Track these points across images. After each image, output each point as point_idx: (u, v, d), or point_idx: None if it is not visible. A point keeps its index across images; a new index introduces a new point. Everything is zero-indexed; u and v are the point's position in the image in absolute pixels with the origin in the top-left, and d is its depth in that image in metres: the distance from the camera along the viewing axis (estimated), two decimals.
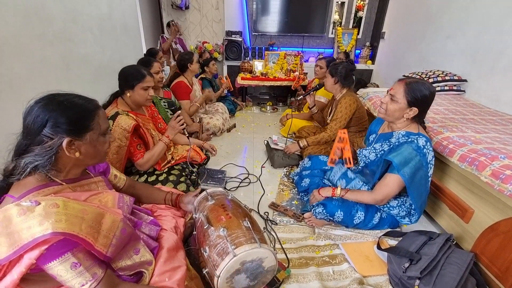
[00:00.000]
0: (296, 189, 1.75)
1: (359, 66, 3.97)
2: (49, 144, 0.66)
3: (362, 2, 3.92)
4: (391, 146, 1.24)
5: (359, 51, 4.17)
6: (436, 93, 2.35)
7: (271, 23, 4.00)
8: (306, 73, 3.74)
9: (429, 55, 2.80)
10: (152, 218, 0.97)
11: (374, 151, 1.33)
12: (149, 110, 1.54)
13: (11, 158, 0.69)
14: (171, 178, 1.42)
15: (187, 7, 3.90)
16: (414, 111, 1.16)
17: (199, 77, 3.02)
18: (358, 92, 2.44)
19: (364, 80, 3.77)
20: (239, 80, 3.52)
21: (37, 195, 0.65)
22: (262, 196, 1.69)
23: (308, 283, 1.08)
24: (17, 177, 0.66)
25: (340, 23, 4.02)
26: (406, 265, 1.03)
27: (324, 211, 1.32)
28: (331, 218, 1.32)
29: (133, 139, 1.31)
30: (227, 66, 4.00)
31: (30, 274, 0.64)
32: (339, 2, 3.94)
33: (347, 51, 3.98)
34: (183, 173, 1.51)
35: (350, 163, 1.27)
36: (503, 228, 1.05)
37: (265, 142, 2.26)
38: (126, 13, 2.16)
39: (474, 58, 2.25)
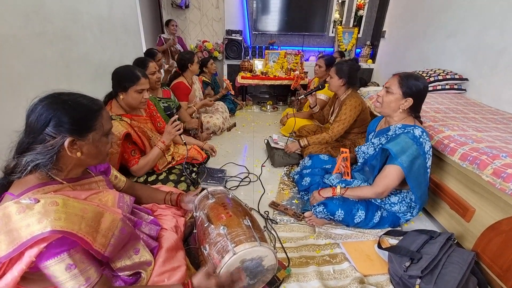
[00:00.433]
0: (296, 188, 1.74)
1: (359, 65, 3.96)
2: (51, 143, 0.66)
3: (362, 1, 3.91)
4: (388, 138, 1.26)
5: (359, 50, 4.16)
6: (437, 91, 2.37)
7: (271, 22, 3.99)
8: (307, 72, 3.74)
9: (430, 54, 2.79)
10: (152, 217, 0.97)
11: (372, 145, 1.35)
12: (148, 109, 1.52)
13: (12, 155, 0.68)
14: (172, 177, 1.42)
15: (187, 6, 3.90)
16: (409, 101, 1.19)
17: (200, 77, 3.01)
18: (358, 91, 2.43)
19: (364, 79, 3.77)
20: (239, 79, 3.52)
21: (37, 193, 0.64)
22: (262, 195, 1.68)
23: (308, 282, 1.08)
24: (18, 175, 0.66)
25: (341, 22, 4.01)
26: (407, 264, 1.02)
27: (324, 210, 1.31)
28: (332, 217, 1.32)
29: (126, 145, 1.27)
30: (227, 65, 3.99)
31: (30, 273, 0.64)
32: (340, 1, 3.93)
33: (345, 50, 3.98)
34: (183, 173, 1.50)
35: (348, 175, 1.40)
36: (504, 227, 1.05)
37: (265, 141, 2.26)
38: (126, 12, 2.16)
39: (475, 57, 2.24)
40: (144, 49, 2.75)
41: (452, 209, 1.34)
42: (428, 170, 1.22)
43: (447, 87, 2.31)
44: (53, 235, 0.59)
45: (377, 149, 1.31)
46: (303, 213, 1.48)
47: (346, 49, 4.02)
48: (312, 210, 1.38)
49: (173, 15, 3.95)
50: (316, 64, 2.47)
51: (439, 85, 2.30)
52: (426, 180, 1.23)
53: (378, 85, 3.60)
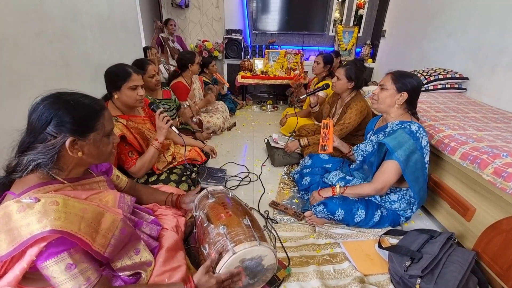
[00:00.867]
0: (296, 187, 1.74)
1: None
2: (52, 143, 0.66)
3: (362, 0, 3.90)
4: (386, 134, 1.28)
5: (359, 49, 4.15)
6: (437, 91, 2.36)
7: (271, 21, 3.99)
8: (306, 71, 3.73)
9: (430, 53, 2.78)
10: (153, 217, 0.97)
11: (370, 143, 1.37)
12: (147, 109, 1.51)
13: (14, 154, 0.68)
14: (173, 177, 1.41)
15: (187, 5, 3.89)
16: (404, 95, 1.22)
17: (201, 76, 3.00)
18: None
19: (364, 78, 3.75)
20: (239, 79, 3.51)
21: (38, 192, 0.64)
22: (262, 194, 1.68)
23: (308, 281, 1.07)
24: (19, 174, 0.66)
25: (341, 21, 4.01)
26: (408, 263, 1.02)
27: (324, 209, 1.31)
28: (332, 217, 1.32)
29: (123, 146, 1.25)
30: (227, 64, 3.99)
31: (30, 272, 0.64)
32: (340, 0, 3.92)
33: (346, 49, 3.97)
34: (185, 173, 1.50)
35: (330, 149, 1.44)
36: (505, 226, 1.05)
37: (266, 140, 2.26)
38: (125, 11, 2.15)
39: (476, 56, 2.23)
40: None
41: (453, 208, 1.33)
42: (426, 165, 1.23)
43: (447, 86, 2.30)
44: (53, 234, 0.59)
45: (375, 146, 1.32)
46: (303, 212, 1.48)
47: (346, 49, 4.01)
48: (312, 209, 1.37)
49: (173, 14, 3.95)
50: (314, 61, 2.46)
51: (439, 84, 2.30)
52: (424, 175, 1.24)
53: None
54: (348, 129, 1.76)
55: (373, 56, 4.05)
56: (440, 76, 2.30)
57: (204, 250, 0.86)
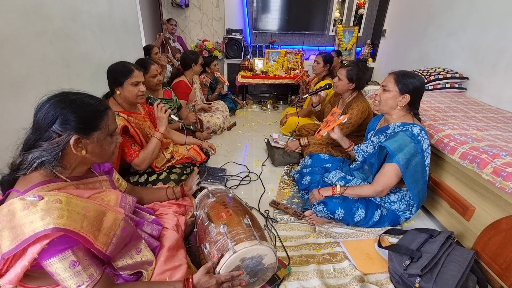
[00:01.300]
0: (296, 187, 1.75)
1: None
2: (56, 141, 0.67)
3: (363, 0, 3.89)
4: (387, 136, 1.27)
5: (360, 49, 4.15)
6: (437, 90, 2.36)
7: (272, 21, 3.98)
8: (307, 71, 3.73)
9: (430, 52, 2.79)
10: (154, 217, 0.97)
11: (371, 144, 1.36)
12: (146, 108, 1.52)
13: (18, 152, 0.69)
14: (173, 177, 1.42)
15: (187, 5, 3.89)
16: (407, 98, 1.20)
17: (201, 77, 3.00)
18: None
19: (365, 82, 3.76)
20: (240, 78, 3.51)
21: (41, 190, 0.65)
22: (262, 194, 1.69)
23: (308, 280, 1.08)
24: (23, 172, 0.66)
25: (341, 20, 4.00)
26: (407, 262, 1.03)
27: (324, 209, 1.32)
28: (332, 216, 1.32)
29: (125, 138, 1.28)
30: (228, 64, 3.99)
31: (31, 270, 0.64)
32: (340, 0, 3.92)
33: (346, 49, 3.97)
34: (184, 172, 1.51)
35: (321, 133, 1.43)
36: (504, 225, 1.05)
37: (266, 140, 2.26)
38: (126, 10, 2.16)
39: (476, 55, 2.23)
40: None
41: (452, 207, 1.34)
42: (427, 168, 1.22)
43: (447, 85, 2.30)
44: (56, 232, 0.59)
45: (376, 147, 1.32)
46: (303, 212, 1.48)
47: (346, 48, 4.01)
48: (312, 209, 1.38)
49: (173, 14, 3.95)
50: (314, 61, 2.46)
51: (439, 83, 2.30)
52: (424, 178, 1.24)
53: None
54: (349, 129, 1.76)
55: (373, 55, 4.05)
56: (440, 76, 2.31)
57: (204, 249, 0.86)
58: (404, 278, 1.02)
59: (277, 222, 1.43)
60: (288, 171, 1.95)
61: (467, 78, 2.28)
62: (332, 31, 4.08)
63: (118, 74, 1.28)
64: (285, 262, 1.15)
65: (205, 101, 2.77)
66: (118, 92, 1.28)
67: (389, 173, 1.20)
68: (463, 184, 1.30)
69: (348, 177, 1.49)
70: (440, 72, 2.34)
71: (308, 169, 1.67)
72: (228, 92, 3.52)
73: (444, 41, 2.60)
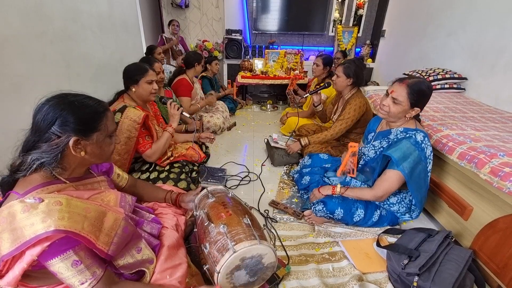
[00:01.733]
0: (296, 187, 1.75)
1: None
2: (56, 142, 0.67)
3: (362, 0, 3.90)
4: (390, 142, 1.25)
5: (359, 49, 4.16)
6: (436, 91, 2.37)
7: (271, 21, 3.99)
8: (306, 71, 3.74)
9: (429, 53, 2.79)
10: (153, 216, 0.98)
11: (373, 148, 1.34)
12: (153, 109, 1.57)
13: (18, 154, 0.70)
14: (172, 176, 1.43)
15: (187, 6, 3.90)
16: (416, 110, 1.19)
17: (200, 75, 3.02)
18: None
19: (364, 78, 3.77)
20: (239, 79, 3.52)
21: (41, 192, 0.65)
22: (262, 194, 1.69)
23: (308, 280, 1.09)
24: (23, 173, 0.67)
25: (341, 21, 4.02)
26: (405, 261, 1.03)
27: (324, 208, 1.32)
28: (331, 216, 1.33)
29: (141, 130, 1.35)
30: (227, 64, 4.00)
31: (32, 271, 0.65)
32: (340, 0, 3.93)
33: (346, 49, 3.98)
34: (183, 170, 1.52)
35: (354, 173, 1.33)
36: (501, 225, 1.06)
37: (265, 140, 2.27)
38: (126, 11, 2.16)
39: (475, 56, 2.24)
40: (145, 49, 2.76)
41: (451, 207, 1.35)
42: (429, 173, 1.22)
43: (446, 86, 2.31)
44: (57, 234, 0.60)
45: (377, 152, 1.31)
46: (302, 211, 1.49)
47: (346, 48, 4.02)
48: (312, 208, 1.39)
49: (173, 14, 3.96)
50: (314, 63, 2.47)
51: (438, 84, 2.31)
52: (426, 184, 1.24)
53: (377, 84, 3.60)
54: (348, 124, 1.79)
55: (372, 56, 4.06)
56: (439, 76, 2.32)
57: (204, 249, 0.87)
58: (402, 277, 1.03)
59: (276, 221, 1.44)
60: (287, 171, 1.96)
61: (466, 78, 2.29)
62: (332, 32, 4.09)
63: (134, 72, 1.36)
64: (284, 261, 1.16)
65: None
66: (133, 90, 1.37)
67: (391, 179, 1.19)
68: (461, 184, 1.31)
69: (348, 178, 1.50)
70: (439, 72, 2.35)
71: (308, 169, 1.68)
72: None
73: (443, 41, 2.61)
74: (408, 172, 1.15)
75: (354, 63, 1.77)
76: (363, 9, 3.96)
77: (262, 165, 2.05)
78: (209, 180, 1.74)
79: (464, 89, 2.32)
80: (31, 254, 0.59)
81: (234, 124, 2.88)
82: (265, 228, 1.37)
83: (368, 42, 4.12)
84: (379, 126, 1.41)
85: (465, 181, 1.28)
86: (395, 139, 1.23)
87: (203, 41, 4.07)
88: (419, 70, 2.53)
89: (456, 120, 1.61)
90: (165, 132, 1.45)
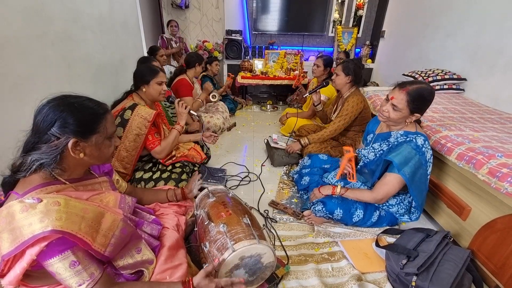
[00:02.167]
0: (296, 187, 1.76)
1: None
2: (55, 143, 0.67)
3: (362, 1, 3.92)
4: (390, 146, 1.25)
5: (359, 50, 4.17)
6: (436, 91, 2.37)
7: (271, 22, 4.00)
8: (306, 71, 3.75)
9: (429, 53, 2.80)
10: (154, 217, 0.98)
11: (373, 150, 1.35)
12: (158, 109, 1.59)
13: (19, 154, 0.70)
14: (173, 176, 1.44)
15: (187, 6, 3.91)
16: (417, 116, 1.19)
17: (201, 75, 3.03)
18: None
19: (364, 79, 3.78)
20: (239, 79, 3.53)
21: (40, 193, 0.66)
22: (262, 194, 1.70)
23: (307, 279, 1.09)
24: (23, 174, 0.67)
25: (340, 21, 4.03)
26: (404, 261, 1.04)
27: (323, 209, 1.33)
28: (331, 216, 1.33)
29: (151, 127, 1.38)
30: (227, 65, 4.01)
31: (32, 271, 0.66)
32: (339, 1, 3.94)
33: (347, 50, 3.99)
34: (184, 170, 1.53)
35: (354, 178, 1.32)
36: (499, 225, 1.07)
37: (265, 141, 2.28)
38: (126, 12, 2.17)
39: (474, 57, 2.25)
40: (145, 49, 2.77)
41: (449, 208, 1.35)
42: (429, 176, 1.22)
43: (445, 87, 2.32)
44: (54, 234, 0.60)
45: (377, 155, 1.31)
46: (302, 212, 1.50)
47: (345, 49, 4.03)
48: (311, 209, 1.39)
49: (173, 15, 3.97)
50: (314, 64, 2.48)
51: (437, 85, 2.32)
52: (426, 187, 1.24)
53: (377, 85, 3.61)
54: (346, 121, 1.81)
55: (372, 56, 4.07)
56: (438, 77, 2.32)
57: (204, 248, 0.88)
58: (401, 277, 1.03)
59: (276, 222, 1.45)
60: (287, 172, 1.97)
61: (465, 79, 2.30)
62: (332, 32, 4.10)
63: (146, 73, 1.42)
64: (284, 261, 1.16)
65: (205, 103, 2.78)
66: (144, 90, 1.42)
67: (391, 183, 1.20)
68: (460, 184, 1.32)
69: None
70: (439, 73, 2.36)
71: (307, 170, 1.68)
72: (228, 95, 3.55)
73: (442, 42, 2.62)
74: (410, 177, 1.15)
75: (353, 62, 1.80)
76: (363, 10, 3.97)
77: (262, 165, 2.06)
78: (209, 180, 1.75)
79: (463, 89, 2.33)
80: (30, 254, 0.60)
81: (234, 125, 2.89)
82: (264, 228, 1.38)
83: (367, 42, 4.13)
84: (378, 127, 1.41)
85: (464, 182, 1.29)
86: (396, 143, 1.23)
87: (203, 41, 4.08)
88: (418, 71, 2.54)
89: (455, 121, 1.62)
90: (174, 130, 1.49)
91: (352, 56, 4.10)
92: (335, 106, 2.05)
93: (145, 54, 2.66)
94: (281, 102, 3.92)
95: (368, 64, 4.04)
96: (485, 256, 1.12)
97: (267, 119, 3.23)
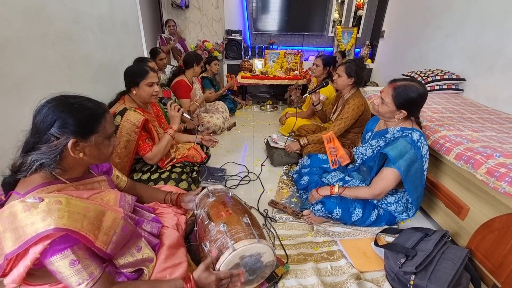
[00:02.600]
0: (295, 187, 1.77)
1: None
2: (55, 143, 0.68)
3: (362, 1, 3.92)
4: (387, 141, 1.27)
5: (358, 49, 4.18)
6: (435, 91, 2.38)
7: (271, 21, 4.01)
8: (306, 72, 3.75)
9: (428, 54, 2.81)
10: (153, 215, 0.99)
11: (370, 147, 1.37)
12: (154, 109, 1.58)
13: (19, 154, 0.70)
14: (173, 176, 1.44)
15: (187, 6, 3.91)
16: (403, 113, 1.20)
17: (200, 75, 3.03)
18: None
19: (364, 78, 3.78)
20: (239, 79, 3.54)
21: (41, 192, 0.66)
22: (261, 194, 1.71)
23: (306, 278, 1.10)
24: (24, 174, 0.68)
25: (340, 21, 4.03)
26: (402, 260, 1.05)
27: (322, 208, 1.34)
28: (330, 215, 1.34)
29: (141, 133, 1.35)
30: (227, 65, 4.01)
31: (34, 269, 0.66)
32: (339, 1, 3.94)
33: (345, 50, 3.99)
34: (185, 170, 1.53)
35: (344, 161, 1.32)
36: (497, 224, 1.08)
37: (265, 140, 2.28)
38: (126, 12, 2.18)
39: (473, 57, 2.26)
40: (145, 49, 2.77)
41: (448, 207, 1.36)
42: (425, 172, 1.24)
43: (444, 87, 2.33)
44: (56, 232, 0.61)
45: (375, 151, 1.33)
46: (301, 211, 1.50)
47: (345, 49, 4.03)
48: (311, 208, 1.40)
49: (173, 15, 3.97)
50: (313, 63, 2.48)
51: (436, 85, 2.33)
52: (422, 182, 1.25)
53: (377, 85, 3.62)
54: (346, 124, 1.80)
55: (372, 56, 4.08)
56: (438, 77, 2.33)
57: (204, 247, 0.88)
58: (399, 275, 1.04)
59: (276, 221, 1.46)
60: (287, 171, 1.98)
61: (464, 79, 2.31)
62: (331, 32, 4.10)
63: (135, 75, 1.36)
64: (283, 260, 1.17)
65: (205, 102, 2.78)
66: (134, 92, 1.37)
67: (388, 177, 1.22)
68: (458, 184, 1.33)
69: (346, 178, 1.52)
70: (438, 73, 2.36)
71: (307, 169, 1.69)
72: (228, 93, 3.55)
73: (442, 42, 2.62)
74: (404, 170, 1.17)
75: (355, 63, 1.79)
76: (363, 10, 3.98)
77: (261, 165, 2.07)
78: (209, 180, 1.76)
79: (462, 90, 2.34)
80: (34, 252, 0.60)
81: (234, 124, 2.89)
82: (264, 228, 1.39)
83: (367, 42, 4.14)
84: (376, 126, 1.43)
85: (462, 181, 1.30)
86: (392, 138, 1.25)
87: (203, 41, 4.08)
88: (417, 71, 2.54)
89: (453, 121, 1.62)
90: (166, 134, 1.45)
91: (352, 56, 4.11)
92: (335, 106, 2.06)
93: (146, 54, 2.66)
94: (280, 102, 3.93)
95: (368, 64, 4.04)
96: (483, 255, 1.13)
97: (267, 119, 3.24)
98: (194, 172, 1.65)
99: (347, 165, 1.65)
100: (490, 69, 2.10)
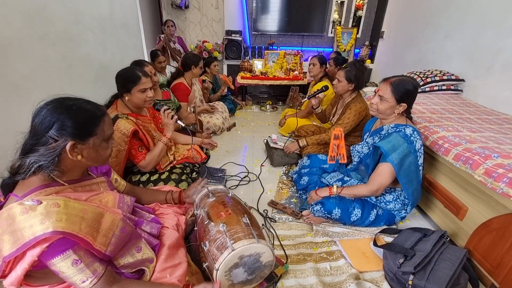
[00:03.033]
0: (295, 187, 1.77)
1: None
2: (53, 146, 0.68)
3: (361, 1, 3.93)
4: (382, 137, 1.30)
5: (358, 50, 4.19)
6: (434, 92, 2.39)
7: (271, 22, 4.01)
8: (306, 72, 3.76)
9: (427, 54, 2.82)
10: (153, 216, 0.99)
11: (366, 145, 1.40)
12: (150, 111, 1.56)
13: (18, 156, 0.71)
14: (173, 176, 1.45)
15: (187, 6, 3.91)
16: (404, 106, 1.24)
17: (201, 77, 3.03)
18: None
19: (364, 80, 3.79)
20: (239, 79, 3.54)
21: (39, 195, 0.66)
22: (261, 194, 1.71)
23: (305, 278, 1.11)
24: (22, 176, 0.68)
25: (340, 22, 4.04)
26: (401, 261, 1.05)
27: (322, 209, 1.34)
28: (329, 216, 1.35)
29: (133, 141, 1.32)
30: (227, 65, 4.02)
31: (33, 271, 0.66)
32: (339, 1, 3.95)
33: (345, 50, 4.00)
34: (184, 171, 1.53)
35: (344, 158, 1.34)
36: (495, 225, 1.08)
37: (265, 141, 2.29)
38: (126, 12, 2.18)
39: (472, 57, 2.27)
40: (145, 49, 2.77)
41: (446, 207, 1.37)
42: (420, 167, 1.25)
43: (443, 87, 2.34)
44: (55, 235, 0.61)
45: (370, 148, 1.35)
46: (301, 211, 1.51)
47: (345, 50, 4.04)
48: (310, 208, 1.41)
49: (173, 15, 3.97)
50: (310, 64, 2.51)
51: (435, 85, 2.33)
52: (418, 177, 1.27)
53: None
54: (346, 129, 1.80)
55: (371, 57, 4.09)
56: (437, 78, 2.34)
57: (204, 247, 0.89)
58: (398, 275, 1.05)
59: (275, 221, 1.46)
60: (286, 172, 1.98)
61: (463, 80, 2.32)
62: (331, 33, 4.11)
63: (126, 81, 1.31)
64: (283, 260, 1.18)
65: (205, 102, 2.79)
66: (127, 98, 1.33)
67: (383, 172, 1.24)
68: (457, 184, 1.33)
69: (345, 178, 1.52)
70: (437, 74, 2.37)
71: (306, 170, 1.70)
72: (228, 93, 3.56)
73: (441, 43, 2.63)
74: (397, 163, 1.19)
75: (355, 67, 1.77)
76: (362, 11, 3.99)
77: (261, 165, 2.07)
78: (209, 180, 1.76)
79: (461, 90, 2.34)
80: (31, 255, 0.61)
81: (234, 125, 2.90)
82: (264, 228, 1.39)
83: (367, 43, 4.15)
84: (373, 125, 1.45)
85: (460, 182, 1.31)
86: (386, 134, 1.28)
87: (203, 41, 4.09)
88: (416, 72, 2.55)
89: (452, 122, 1.63)
90: (160, 142, 1.41)
91: (351, 56, 4.12)
92: (335, 108, 2.06)
93: (146, 55, 2.66)
94: (280, 102, 3.93)
95: (368, 64, 4.05)
96: (481, 255, 1.13)
97: (267, 119, 3.24)
98: (194, 173, 1.66)
99: (346, 165, 1.66)
100: (489, 70, 2.10)
